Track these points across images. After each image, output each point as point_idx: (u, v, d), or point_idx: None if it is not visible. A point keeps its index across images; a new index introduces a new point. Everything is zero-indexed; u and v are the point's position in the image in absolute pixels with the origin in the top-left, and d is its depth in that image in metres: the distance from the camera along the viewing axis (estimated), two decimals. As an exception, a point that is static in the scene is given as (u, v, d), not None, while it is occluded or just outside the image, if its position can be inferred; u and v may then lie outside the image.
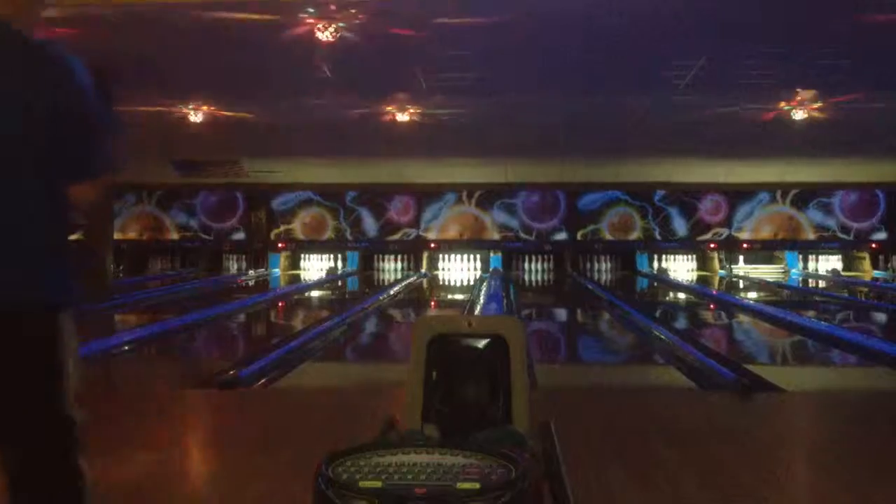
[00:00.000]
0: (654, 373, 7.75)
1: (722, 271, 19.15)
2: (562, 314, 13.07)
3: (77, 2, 8.94)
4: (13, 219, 2.16)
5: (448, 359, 3.45)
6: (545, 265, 19.42)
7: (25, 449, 2.19)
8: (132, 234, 19.65)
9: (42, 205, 2.21)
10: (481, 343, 3.50)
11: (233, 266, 19.42)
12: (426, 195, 19.58)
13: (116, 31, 9.98)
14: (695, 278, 18.41)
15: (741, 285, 16.88)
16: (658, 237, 19.52)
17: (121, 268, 17.65)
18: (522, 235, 19.46)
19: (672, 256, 19.72)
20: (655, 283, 17.66)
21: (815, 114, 14.20)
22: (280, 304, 14.01)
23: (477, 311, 11.01)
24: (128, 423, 4.97)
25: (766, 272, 19.10)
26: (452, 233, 19.59)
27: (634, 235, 19.56)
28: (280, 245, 19.48)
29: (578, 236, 19.53)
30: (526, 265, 19.39)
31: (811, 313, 11.60)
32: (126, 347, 8.47)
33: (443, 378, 3.43)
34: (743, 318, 11.62)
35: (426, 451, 2.14)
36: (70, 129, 2.20)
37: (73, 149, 2.23)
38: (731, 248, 19.51)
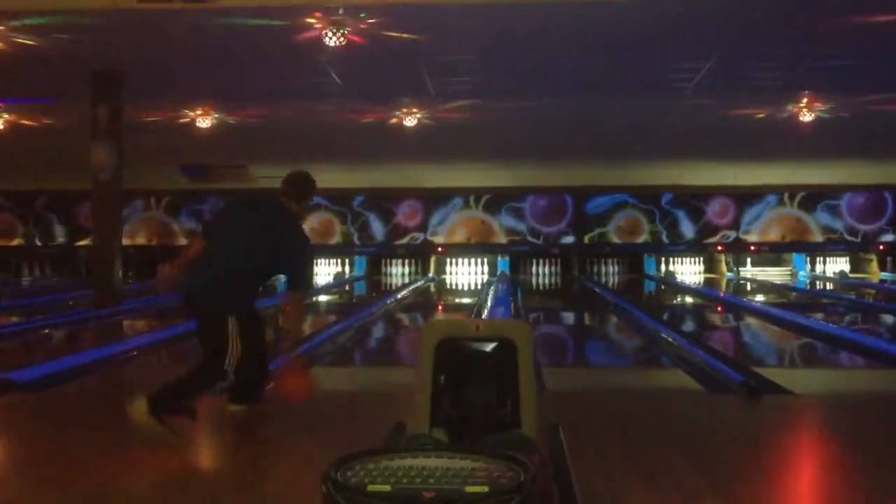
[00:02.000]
0: (662, 376, 7.74)
1: (729, 274, 19.12)
2: (569, 317, 13.06)
3: (88, 7, 9.01)
4: (231, 277, 4.75)
5: (456, 362, 3.46)
6: (552, 269, 19.42)
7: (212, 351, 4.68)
8: (141, 240, 19.72)
9: (246, 280, 4.85)
10: (489, 347, 3.50)
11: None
12: (434, 199, 19.60)
13: (127, 36, 10.04)
14: (702, 281, 18.37)
15: (749, 288, 16.84)
16: (665, 240, 19.50)
17: (129, 273, 17.69)
18: (530, 239, 19.46)
19: (679, 259, 19.70)
20: (663, 286, 17.63)
21: (823, 115, 14.18)
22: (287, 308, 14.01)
23: (484, 315, 11.01)
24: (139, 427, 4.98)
25: (774, 274, 19.05)
26: (460, 237, 19.60)
27: (642, 238, 19.55)
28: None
29: (586, 240, 19.53)
30: (533, 269, 19.39)
31: (819, 315, 11.56)
32: (135, 353, 8.49)
33: (451, 381, 3.43)
34: (751, 320, 11.60)
35: (435, 455, 2.15)
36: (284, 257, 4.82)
37: (285, 267, 4.86)
38: (738, 250, 19.48)
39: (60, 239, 20.07)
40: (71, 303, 13.35)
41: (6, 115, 14.59)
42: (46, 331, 10.52)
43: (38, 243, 20.09)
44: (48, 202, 19.92)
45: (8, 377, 6.13)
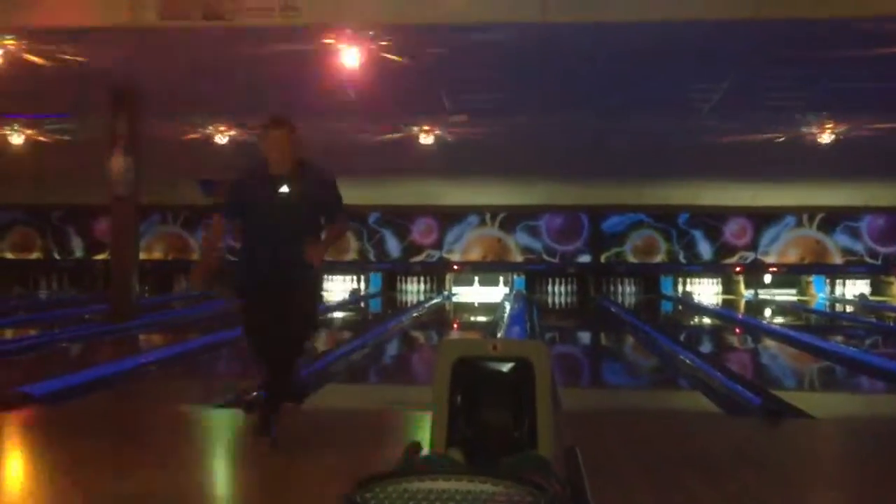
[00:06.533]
0: (680, 397, 7.67)
1: (747, 295, 18.97)
2: (585, 337, 12.99)
3: (109, 25, 9.08)
4: (297, 241, 4.65)
5: (473, 382, 3.42)
6: (568, 288, 19.33)
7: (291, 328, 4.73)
8: (157, 254, 19.80)
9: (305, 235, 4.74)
10: (506, 367, 3.47)
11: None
12: (449, 217, 19.58)
13: (146, 52, 10.11)
14: (720, 302, 18.24)
15: (767, 309, 16.71)
16: (682, 260, 19.40)
17: (146, 287, 17.75)
18: (546, 258, 19.40)
19: (697, 280, 19.58)
20: (680, 307, 17.52)
21: (842, 136, 14.10)
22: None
23: (500, 334, 10.96)
24: (155, 440, 4.98)
25: (793, 296, 18.90)
26: (475, 255, 19.56)
27: (658, 258, 19.45)
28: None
29: (602, 259, 19.45)
30: (549, 288, 19.32)
31: (839, 338, 11.45)
32: (152, 367, 8.50)
33: (467, 401, 3.39)
34: (769, 342, 11.50)
35: (454, 478, 2.11)
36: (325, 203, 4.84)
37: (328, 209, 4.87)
38: (757, 271, 19.33)
39: (78, 253, 20.17)
40: (87, 316, 13.39)
41: (26, 130, 14.71)
42: (63, 344, 10.54)
43: (57, 257, 20.19)
44: (66, 216, 20.03)
45: (25, 390, 6.15)
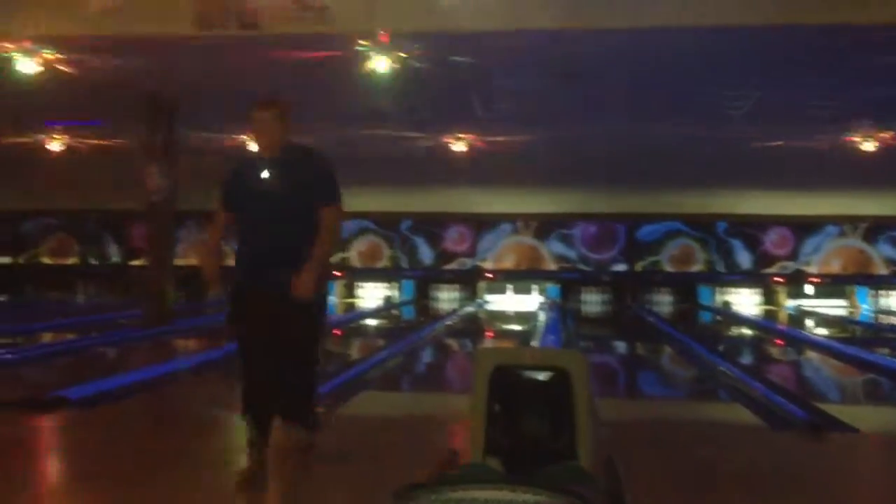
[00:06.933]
0: (720, 409, 7.52)
1: (788, 306, 18.63)
2: (621, 346, 12.83)
3: (148, 34, 9.14)
4: (296, 237, 4.18)
5: (510, 391, 3.38)
6: (603, 297, 19.15)
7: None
8: (194, 261, 19.92)
9: (306, 231, 4.20)
10: (544, 376, 3.43)
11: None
12: (482, 225, 19.51)
13: (183, 60, 10.18)
14: (760, 312, 17.94)
15: (809, 321, 16.41)
16: (721, 270, 19.13)
17: (182, 293, 17.86)
18: (580, 266, 19.25)
19: (736, 290, 19.28)
20: (718, 317, 17.27)
21: (885, 144, 13.84)
22: (336, 331, 14.02)
23: (534, 343, 10.85)
24: (189, 445, 4.96)
25: (836, 307, 18.54)
26: (509, 263, 19.45)
27: (696, 268, 19.21)
28: (336, 273, 19.54)
29: (637, 268, 19.25)
30: (584, 296, 19.15)
31: (884, 350, 11.18)
32: (187, 372, 8.50)
33: (505, 410, 3.36)
34: (812, 354, 11.25)
35: (494, 488, 2.05)
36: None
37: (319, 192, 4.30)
38: (798, 282, 18.98)
39: (115, 258, 20.37)
40: (123, 321, 13.49)
41: (64, 138, 14.89)
42: (99, 348, 10.61)
43: (93, 262, 20.40)
44: (103, 222, 20.24)
45: (61, 393, 6.18)
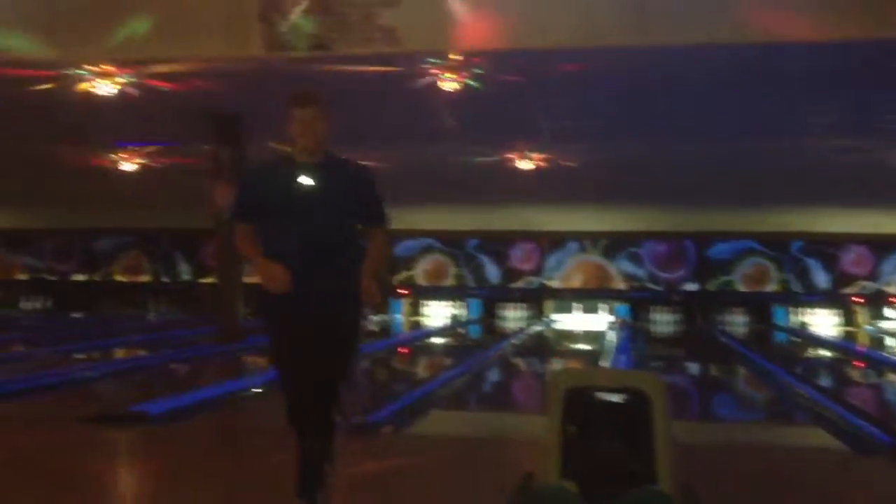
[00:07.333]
0: (798, 433, 7.27)
1: (868, 327, 18.02)
2: (693, 367, 12.54)
3: (218, 56, 9.31)
4: (337, 246, 3.78)
5: (586, 413, 3.33)
6: (674, 316, 18.80)
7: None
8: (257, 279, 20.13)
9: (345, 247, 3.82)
10: (619, 398, 3.37)
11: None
12: (549, 243, 19.37)
13: (249, 80, 10.33)
14: (838, 334, 17.39)
15: (891, 342, 15.84)
16: (796, 289, 18.63)
17: (249, 311, 18.07)
18: (649, 285, 18.95)
19: (813, 310, 18.73)
20: (794, 338, 16.79)
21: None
22: (403, 350, 14.01)
23: (604, 363, 10.68)
24: (264, 462, 4.96)
25: None
26: (576, 281, 19.26)
27: (770, 287, 18.74)
28: (402, 291, 19.58)
29: (709, 287, 18.87)
30: (653, 316, 18.82)
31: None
32: (258, 389, 8.55)
33: (580, 432, 3.29)
34: (895, 377, 10.85)
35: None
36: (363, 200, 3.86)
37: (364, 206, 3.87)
38: (878, 302, 18.36)
39: (185, 276, 20.75)
40: (194, 338, 13.69)
41: (137, 158, 15.25)
42: (172, 365, 10.77)
43: (165, 280, 20.82)
44: (174, 240, 20.65)
45: (140, 409, 6.27)
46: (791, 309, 18.74)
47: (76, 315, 19.18)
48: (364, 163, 4.04)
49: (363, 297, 3.73)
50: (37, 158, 15.11)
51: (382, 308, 4.20)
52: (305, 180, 3.76)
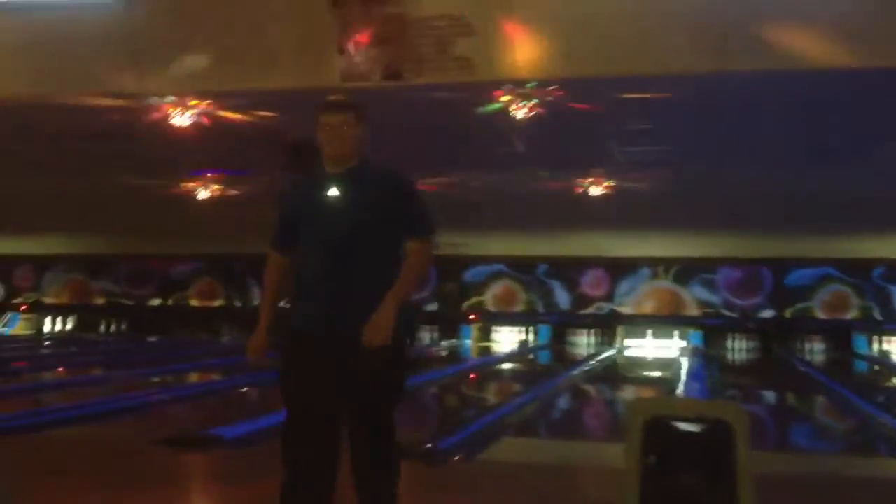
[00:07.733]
0: (882, 464, 7.02)
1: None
2: (770, 396, 12.23)
3: (293, 87, 9.48)
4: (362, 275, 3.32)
5: (666, 443, 3.27)
6: (749, 344, 18.39)
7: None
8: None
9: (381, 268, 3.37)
10: (701, 428, 3.31)
11: (426, 336, 19.61)
12: (619, 269, 19.16)
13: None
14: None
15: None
16: (878, 317, 18.07)
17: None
18: (724, 312, 18.58)
19: (894, 338, 18.12)
20: (876, 367, 16.27)
21: None
22: (472, 375, 13.97)
23: (679, 391, 10.49)
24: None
25: None
26: (648, 308, 18.99)
27: (850, 315, 18.21)
28: (471, 316, 19.54)
29: (786, 314, 18.42)
30: (728, 343, 18.44)
31: None
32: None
33: (660, 463, 3.24)
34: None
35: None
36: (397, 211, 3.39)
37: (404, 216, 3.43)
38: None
39: (257, 301, 21.08)
40: (268, 362, 13.85)
41: (211, 186, 15.62)
42: (244, 388, 10.92)
43: (238, 304, 21.18)
44: (247, 266, 21.01)
45: (217, 433, 6.35)
46: (872, 337, 18.18)
47: (151, 339, 19.61)
48: (402, 174, 3.54)
49: (363, 337, 3.15)
50: (115, 188, 15.57)
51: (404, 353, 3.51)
52: (332, 192, 3.35)
